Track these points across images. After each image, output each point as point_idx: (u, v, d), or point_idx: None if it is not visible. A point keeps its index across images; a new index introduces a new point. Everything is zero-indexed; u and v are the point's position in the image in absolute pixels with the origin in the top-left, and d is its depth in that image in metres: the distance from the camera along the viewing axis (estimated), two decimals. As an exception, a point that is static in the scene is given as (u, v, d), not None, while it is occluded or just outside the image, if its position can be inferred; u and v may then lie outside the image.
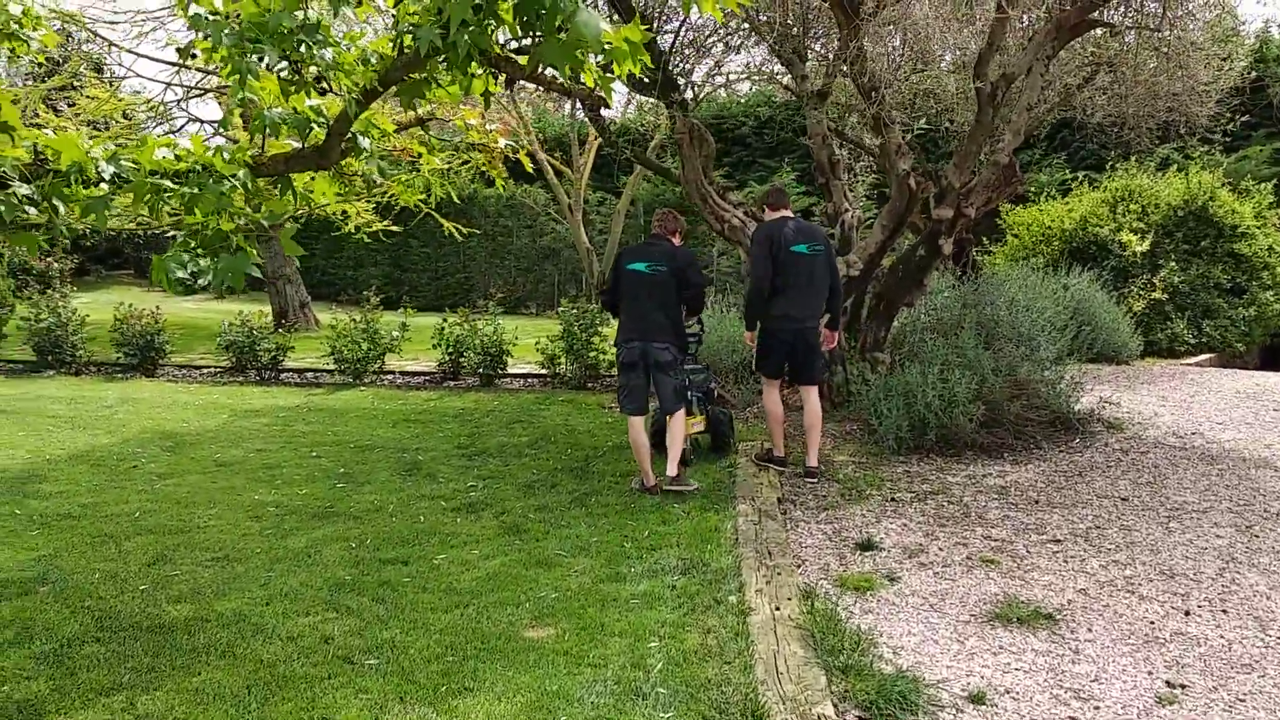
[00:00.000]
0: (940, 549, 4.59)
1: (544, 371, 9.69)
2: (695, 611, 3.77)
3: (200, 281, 2.55)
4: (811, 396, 5.91)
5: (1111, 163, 14.07)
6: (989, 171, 7.18)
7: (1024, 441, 6.61)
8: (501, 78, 2.98)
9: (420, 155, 3.63)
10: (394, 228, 18.56)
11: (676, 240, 5.83)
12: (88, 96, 15.61)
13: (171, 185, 2.37)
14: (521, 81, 8.12)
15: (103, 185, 2.33)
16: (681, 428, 5.69)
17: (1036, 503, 5.36)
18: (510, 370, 10.15)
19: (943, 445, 6.42)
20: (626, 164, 20.80)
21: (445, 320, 9.95)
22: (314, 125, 2.78)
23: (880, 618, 3.78)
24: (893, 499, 5.44)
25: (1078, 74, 9.98)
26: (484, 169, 3.67)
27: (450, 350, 9.91)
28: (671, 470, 5.59)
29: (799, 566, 4.36)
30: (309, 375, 10.65)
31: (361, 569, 4.36)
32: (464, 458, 6.61)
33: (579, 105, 11.76)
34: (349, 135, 2.91)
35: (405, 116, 3.53)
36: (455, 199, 17.74)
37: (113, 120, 16.36)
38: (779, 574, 4.12)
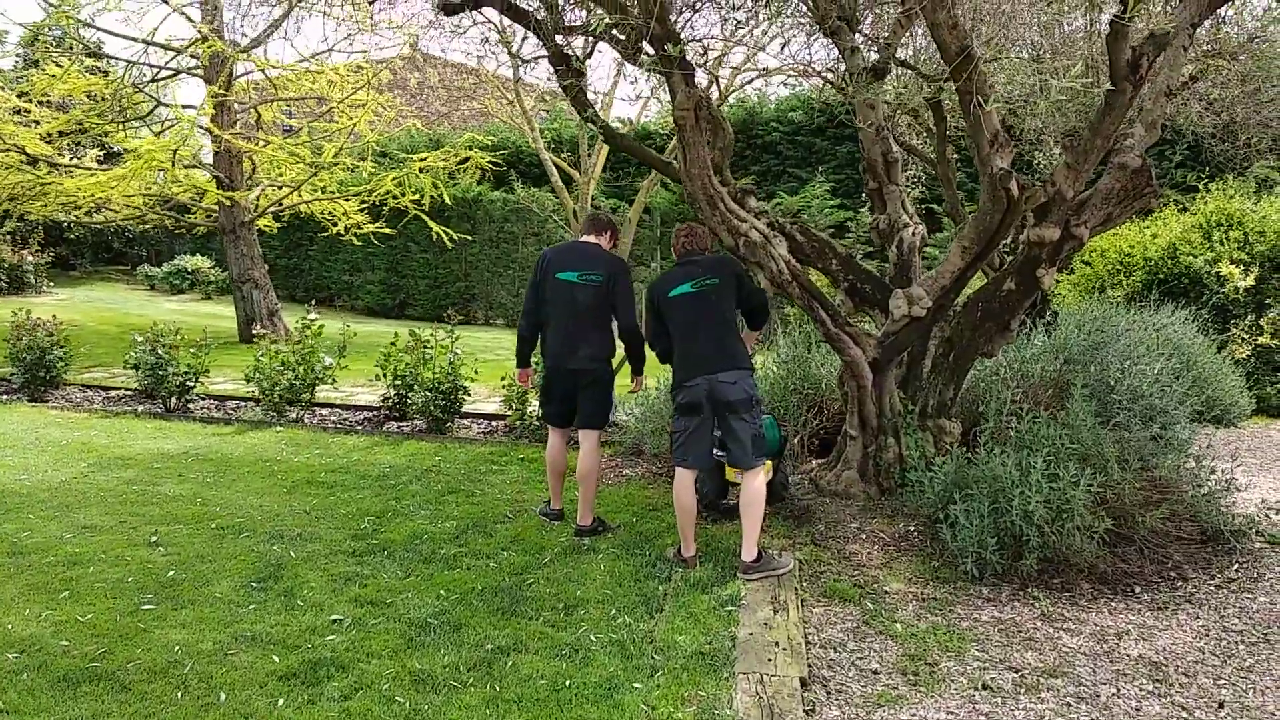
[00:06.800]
0: (1091, 829, 2.57)
1: (509, 413, 7.70)
2: None
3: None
4: (586, 441, 5.03)
5: (1204, 182, 11.98)
6: (1112, 178, 5.15)
7: (1159, 567, 4.56)
8: None
9: None
10: (387, 230, 16.80)
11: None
12: (49, 75, 13.90)
13: None
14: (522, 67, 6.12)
15: None
16: (762, 491, 4.51)
17: (1220, 705, 3.31)
18: (470, 408, 8.20)
19: (1046, 572, 4.40)
20: (635, 166, 18.86)
21: (393, 343, 8.01)
22: None
23: None
24: (985, 685, 3.41)
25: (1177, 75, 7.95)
26: None
27: (396, 383, 7.97)
28: (748, 553, 4.41)
29: None
30: (230, 406, 8.74)
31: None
32: (353, 558, 4.63)
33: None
34: None
35: None
36: (447, 199, 15.58)
37: (77, 100, 14.67)
38: None
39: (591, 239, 5.16)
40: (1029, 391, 5.72)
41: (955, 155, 7.91)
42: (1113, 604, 4.18)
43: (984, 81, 4.39)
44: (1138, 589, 4.34)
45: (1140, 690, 3.40)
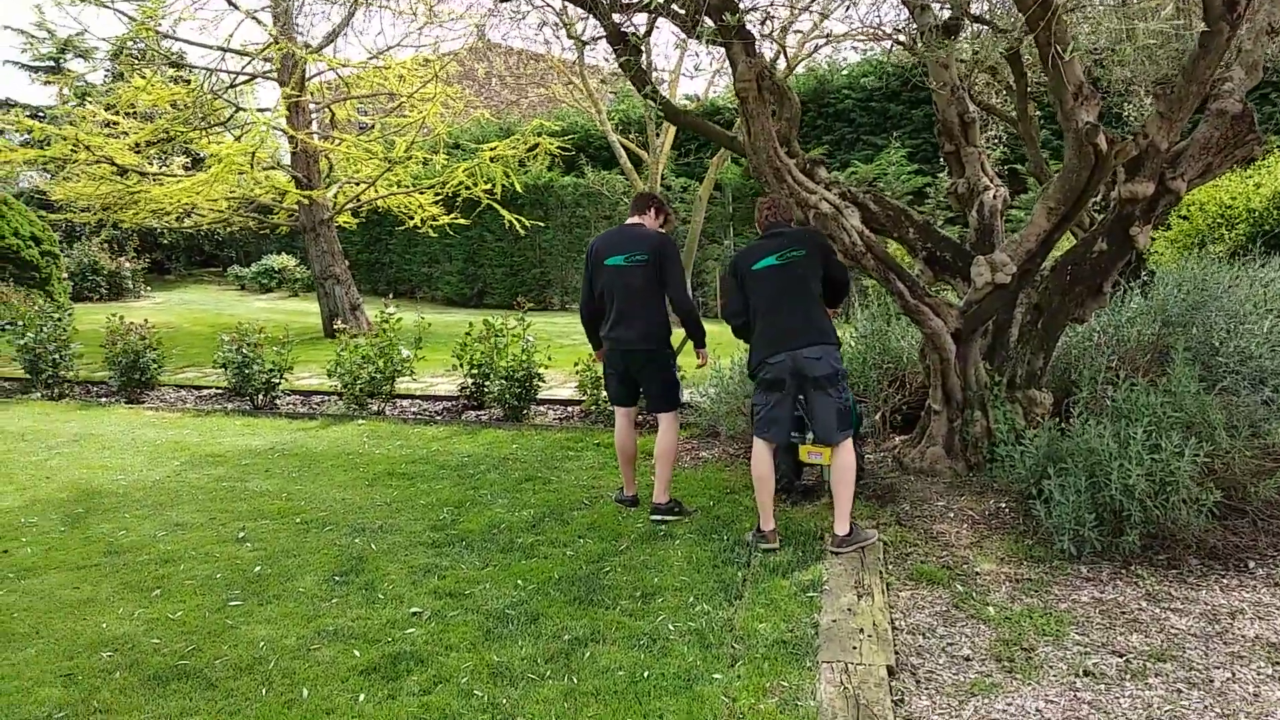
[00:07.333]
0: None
1: (583, 398, 7.68)
2: None
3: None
4: (662, 422, 5.07)
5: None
6: (1209, 126, 4.81)
7: (1275, 539, 4.27)
8: None
9: None
10: (462, 221, 16.97)
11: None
12: (135, 87, 14.35)
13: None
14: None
15: None
16: (852, 464, 4.41)
17: (1352, 690, 3.07)
18: (546, 394, 8.20)
19: (1150, 548, 4.15)
20: (704, 143, 18.53)
21: (468, 333, 8.05)
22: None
23: None
24: (1087, 671, 3.22)
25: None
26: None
27: (472, 372, 8.02)
28: (841, 527, 4.36)
29: None
30: (314, 401, 8.93)
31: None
32: (432, 549, 4.66)
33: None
34: None
35: None
36: (518, 187, 15.57)
37: (161, 110, 15.14)
38: None
39: (636, 220, 5.13)
40: (1125, 357, 5.42)
41: (1038, 112, 7.55)
42: (1225, 580, 3.92)
43: (1064, 31, 4.12)
44: (1252, 564, 4.07)
45: (1258, 674, 3.17)
